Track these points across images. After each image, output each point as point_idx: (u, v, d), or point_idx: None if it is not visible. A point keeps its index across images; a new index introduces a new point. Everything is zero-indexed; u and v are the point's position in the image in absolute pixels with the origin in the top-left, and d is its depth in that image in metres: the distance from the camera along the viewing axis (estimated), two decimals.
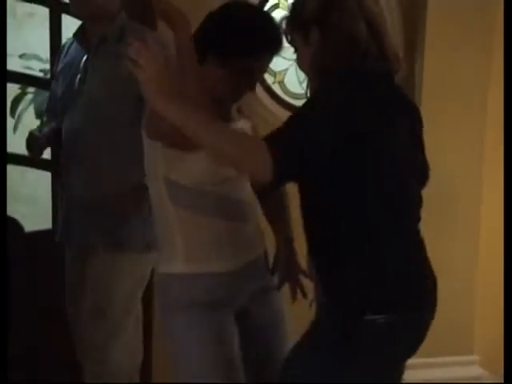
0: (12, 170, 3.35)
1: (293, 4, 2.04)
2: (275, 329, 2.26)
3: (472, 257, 3.68)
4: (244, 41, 2.04)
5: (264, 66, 2.17)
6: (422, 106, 3.56)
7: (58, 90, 2.77)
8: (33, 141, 2.70)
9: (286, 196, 2.37)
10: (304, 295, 2.30)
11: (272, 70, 3.55)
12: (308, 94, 2.04)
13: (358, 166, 1.81)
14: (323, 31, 1.91)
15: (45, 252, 2.84)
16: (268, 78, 3.56)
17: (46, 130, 2.74)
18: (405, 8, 3.60)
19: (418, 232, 2.00)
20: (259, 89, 3.51)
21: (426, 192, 3.22)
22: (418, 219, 2.02)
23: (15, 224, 3.45)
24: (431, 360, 3.58)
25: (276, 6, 3.51)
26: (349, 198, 1.84)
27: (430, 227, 3.55)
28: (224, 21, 2.07)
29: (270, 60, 2.16)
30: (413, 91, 3.61)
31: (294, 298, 2.28)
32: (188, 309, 2.09)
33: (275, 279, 2.28)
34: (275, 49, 2.12)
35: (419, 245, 1.99)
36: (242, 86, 2.11)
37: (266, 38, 2.08)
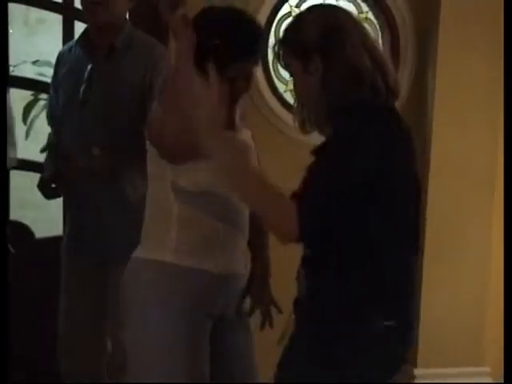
0: (23, 176, 3.36)
1: (290, 29, 1.95)
2: (241, 355, 2.23)
3: (483, 267, 3.67)
4: (221, 49, 1.97)
5: (245, 74, 2.09)
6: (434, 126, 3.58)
7: (57, 99, 2.76)
8: (43, 187, 2.73)
9: None
10: (271, 325, 2.28)
11: (284, 79, 3.55)
12: (296, 122, 2.00)
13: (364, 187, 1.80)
14: (325, 60, 1.85)
15: (55, 258, 2.84)
16: (280, 86, 3.56)
17: (49, 172, 2.74)
18: (418, 24, 3.62)
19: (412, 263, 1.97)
20: (271, 97, 3.51)
21: (437, 212, 3.22)
22: (417, 249, 1.98)
23: (26, 229, 3.46)
24: (441, 370, 3.57)
25: (288, 15, 3.51)
26: (352, 212, 1.82)
27: (440, 239, 3.60)
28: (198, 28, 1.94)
29: (250, 67, 2.09)
30: (425, 112, 3.62)
31: (262, 326, 2.26)
32: (168, 299, 2.05)
33: (246, 304, 2.24)
34: (254, 56, 2.08)
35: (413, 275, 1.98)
36: (225, 96, 2.03)
37: (244, 46, 2.04)
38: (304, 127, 2.00)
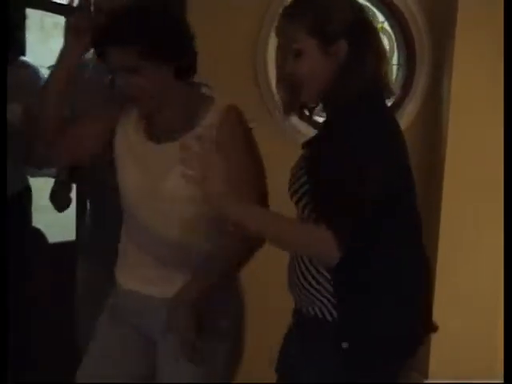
0: (36, 181, 3.37)
1: (306, 5, 1.84)
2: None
3: (497, 276, 3.65)
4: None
5: (123, 63, 1.93)
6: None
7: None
8: (55, 198, 2.81)
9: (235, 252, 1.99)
10: (190, 359, 1.90)
11: None
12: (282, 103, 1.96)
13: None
14: (352, 46, 1.81)
15: (68, 263, 2.84)
16: None
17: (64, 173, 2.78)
18: (434, 29, 3.63)
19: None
20: None
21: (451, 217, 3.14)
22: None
23: (39, 234, 3.46)
24: (453, 382, 3.56)
25: None
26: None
27: (455, 247, 3.57)
28: None
29: (129, 55, 1.90)
30: (440, 115, 3.61)
31: (185, 357, 1.90)
32: (110, 310, 2.15)
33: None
34: (133, 42, 1.89)
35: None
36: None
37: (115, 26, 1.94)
38: (289, 109, 1.97)
